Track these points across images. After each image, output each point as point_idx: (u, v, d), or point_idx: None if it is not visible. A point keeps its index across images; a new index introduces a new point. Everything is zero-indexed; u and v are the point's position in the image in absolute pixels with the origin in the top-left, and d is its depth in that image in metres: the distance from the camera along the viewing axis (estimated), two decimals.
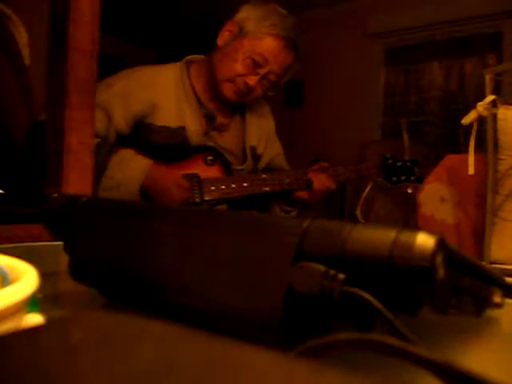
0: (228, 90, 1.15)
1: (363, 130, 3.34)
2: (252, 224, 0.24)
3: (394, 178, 1.24)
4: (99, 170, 0.99)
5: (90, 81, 0.72)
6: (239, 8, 1.15)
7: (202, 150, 1.15)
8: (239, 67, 1.12)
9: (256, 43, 1.11)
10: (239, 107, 1.26)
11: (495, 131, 1.17)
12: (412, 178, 1.24)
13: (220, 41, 1.15)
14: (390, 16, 3.22)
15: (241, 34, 1.12)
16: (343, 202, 2.93)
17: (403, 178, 1.24)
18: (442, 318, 0.22)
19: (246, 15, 1.13)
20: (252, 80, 1.12)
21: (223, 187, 1.11)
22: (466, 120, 1.16)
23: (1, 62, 1.06)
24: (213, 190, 1.10)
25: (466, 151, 1.17)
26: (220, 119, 1.22)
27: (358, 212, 1.38)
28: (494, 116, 1.16)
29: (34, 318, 0.21)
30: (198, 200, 1.09)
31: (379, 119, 3.43)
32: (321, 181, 1.17)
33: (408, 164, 1.25)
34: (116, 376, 0.11)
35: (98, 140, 0.98)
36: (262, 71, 1.13)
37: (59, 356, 0.12)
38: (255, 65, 1.11)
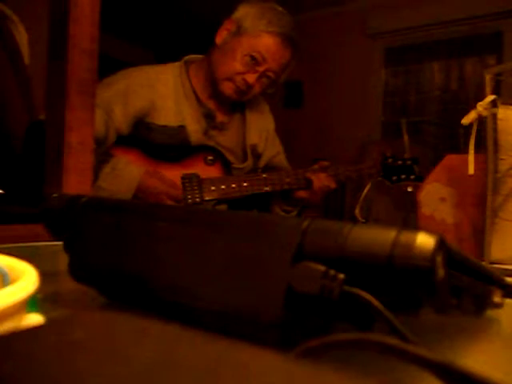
0: (228, 89, 1.15)
1: (363, 130, 3.34)
2: (252, 224, 0.24)
3: (394, 177, 1.24)
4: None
5: (90, 81, 0.72)
6: (237, 7, 1.16)
7: (202, 149, 1.15)
8: (238, 65, 1.12)
9: (254, 41, 1.11)
10: (239, 106, 1.26)
11: (495, 131, 1.16)
12: (412, 176, 1.24)
13: (218, 40, 1.15)
14: (390, 16, 3.22)
15: (238, 32, 1.12)
16: (343, 201, 2.93)
17: (403, 176, 1.24)
18: (442, 318, 0.22)
19: (244, 13, 1.13)
20: (251, 78, 1.13)
21: (223, 187, 1.11)
22: (465, 120, 1.16)
23: (1, 62, 1.06)
24: (213, 190, 1.10)
25: (466, 151, 1.17)
26: (220, 118, 1.22)
27: (357, 212, 1.38)
28: (494, 116, 1.16)
29: (34, 318, 0.21)
30: (198, 200, 1.09)
31: (379, 119, 3.43)
32: (321, 180, 1.17)
33: (408, 163, 1.25)
34: (116, 376, 0.11)
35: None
36: (261, 69, 1.13)
37: (59, 356, 0.12)
38: (254, 62, 1.12)
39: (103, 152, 1.05)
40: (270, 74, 1.15)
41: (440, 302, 0.20)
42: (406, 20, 3.17)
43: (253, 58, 1.11)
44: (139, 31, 3.94)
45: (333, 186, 1.19)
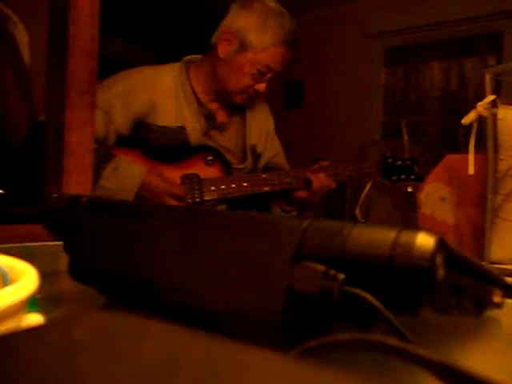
0: (240, 99, 1.18)
1: (363, 130, 3.34)
2: (252, 224, 0.24)
3: (394, 177, 1.24)
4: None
5: (90, 81, 0.72)
6: (231, 10, 1.14)
7: (201, 149, 1.15)
8: (248, 80, 1.14)
9: (261, 56, 1.12)
10: (239, 106, 1.26)
11: (495, 131, 1.17)
12: (412, 176, 1.24)
13: (221, 53, 1.14)
14: (390, 16, 3.22)
15: (242, 47, 1.12)
16: (343, 201, 2.93)
17: (403, 176, 1.24)
18: (442, 318, 0.22)
19: (244, 25, 1.12)
20: (261, 87, 1.16)
21: (223, 187, 1.11)
22: (465, 120, 1.16)
23: (1, 62, 1.06)
24: (213, 190, 1.10)
25: (466, 151, 1.17)
26: (220, 119, 1.22)
27: (358, 211, 1.38)
28: (494, 116, 1.16)
29: (34, 318, 0.21)
30: (197, 200, 1.09)
31: (379, 119, 3.43)
32: (320, 180, 1.17)
33: (408, 163, 1.25)
34: (116, 376, 0.11)
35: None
36: (269, 76, 1.15)
37: (59, 356, 0.12)
38: (262, 74, 1.13)
39: (105, 151, 1.05)
40: (275, 76, 1.17)
41: (440, 302, 0.20)
42: (406, 20, 3.16)
43: (261, 71, 1.13)
44: (141, 32, 3.94)
45: (332, 186, 1.19)
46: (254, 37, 1.11)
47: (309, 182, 1.17)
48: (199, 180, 1.10)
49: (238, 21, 1.13)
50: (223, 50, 1.14)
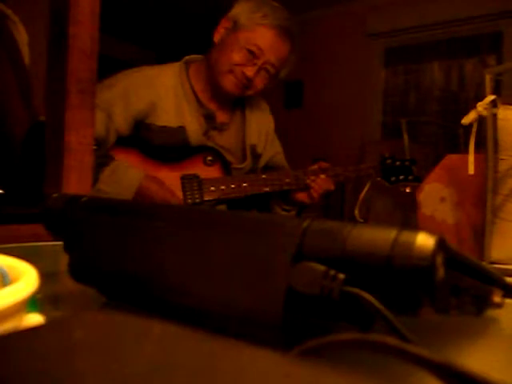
0: (229, 83, 1.14)
1: (363, 131, 3.34)
2: (252, 224, 0.24)
3: (393, 178, 1.24)
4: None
5: (90, 81, 0.72)
6: (233, 4, 1.17)
7: (201, 150, 1.15)
8: (236, 57, 1.12)
9: (250, 35, 1.12)
10: (239, 106, 1.26)
11: (495, 131, 1.17)
12: (410, 177, 1.24)
13: (216, 37, 1.16)
14: (390, 16, 3.22)
15: (235, 28, 1.13)
16: (343, 202, 2.93)
17: (402, 177, 1.24)
18: (442, 318, 0.22)
19: (239, 10, 1.14)
20: (250, 71, 1.12)
21: (223, 187, 1.11)
22: (465, 120, 1.16)
23: (1, 62, 1.06)
24: (212, 191, 1.10)
25: (466, 151, 1.17)
26: (220, 119, 1.22)
27: (357, 212, 1.38)
28: (494, 116, 1.16)
29: (34, 318, 0.21)
30: (197, 200, 1.09)
31: (379, 119, 3.43)
32: (320, 182, 1.17)
33: (406, 163, 1.25)
34: (116, 376, 0.11)
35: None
36: (259, 62, 1.13)
37: (59, 356, 0.12)
38: (251, 56, 1.12)
39: (103, 154, 1.05)
40: (268, 67, 1.14)
41: (440, 302, 0.20)
42: (406, 20, 3.17)
43: (250, 51, 1.12)
44: (140, 31, 3.94)
45: (332, 187, 1.19)
46: (246, 17, 1.13)
47: (308, 183, 1.17)
48: (199, 180, 1.10)
49: (236, 8, 1.15)
50: (218, 35, 1.16)
